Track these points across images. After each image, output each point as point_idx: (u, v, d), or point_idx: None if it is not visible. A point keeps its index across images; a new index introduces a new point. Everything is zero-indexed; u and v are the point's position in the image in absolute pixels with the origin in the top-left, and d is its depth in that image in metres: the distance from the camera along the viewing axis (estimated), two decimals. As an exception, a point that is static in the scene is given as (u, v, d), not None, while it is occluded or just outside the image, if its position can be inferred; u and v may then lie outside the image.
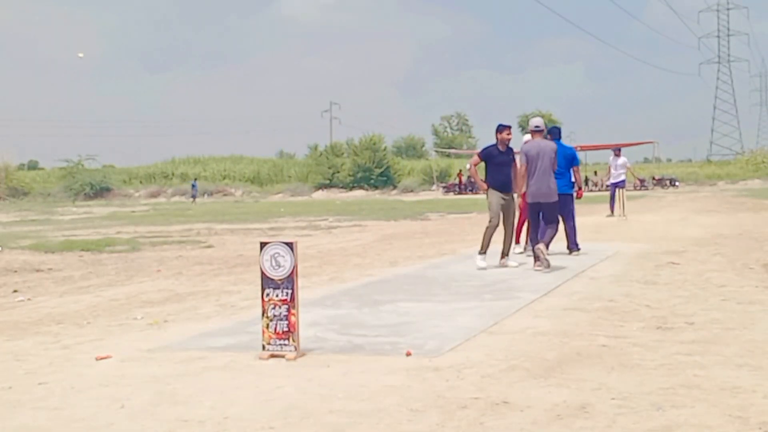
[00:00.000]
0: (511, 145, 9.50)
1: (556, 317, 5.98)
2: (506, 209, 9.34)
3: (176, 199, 51.34)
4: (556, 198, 9.36)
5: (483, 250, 9.28)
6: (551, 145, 9.42)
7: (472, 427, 3.40)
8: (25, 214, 29.37)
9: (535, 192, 9.23)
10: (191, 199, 44.54)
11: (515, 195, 11.00)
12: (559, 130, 10.93)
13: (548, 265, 8.78)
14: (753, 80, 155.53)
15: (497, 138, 9.35)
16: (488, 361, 4.57)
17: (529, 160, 9.18)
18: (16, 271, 10.12)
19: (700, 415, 3.48)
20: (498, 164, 9.24)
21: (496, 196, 9.24)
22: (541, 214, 9.34)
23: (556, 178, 10.33)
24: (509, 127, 9.31)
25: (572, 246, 10.67)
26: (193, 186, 47.41)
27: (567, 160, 10.60)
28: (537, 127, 9.40)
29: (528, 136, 11.59)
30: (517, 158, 10.82)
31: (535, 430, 3.35)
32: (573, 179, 10.75)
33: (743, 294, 6.89)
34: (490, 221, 9.29)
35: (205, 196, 52.64)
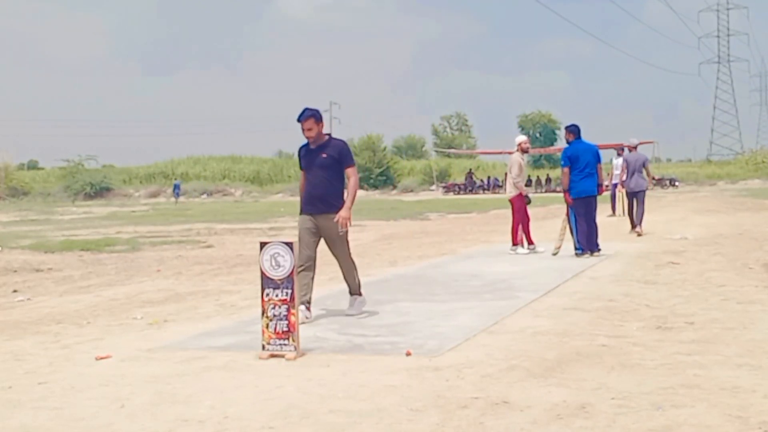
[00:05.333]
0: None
1: (556, 317, 5.98)
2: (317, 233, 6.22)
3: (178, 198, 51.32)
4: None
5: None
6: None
7: (472, 427, 3.40)
8: (25, 214, 29.36)
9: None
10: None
11: (514, 195, 11.02)
12: (578, 127, 10.67)
13: None
14: (753, 80, 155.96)
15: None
16: (488, 361, 4.57)
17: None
18: (16, 271, 10.11)
19: (700, 415, 3.48)
20: (307, 167, 6.27)
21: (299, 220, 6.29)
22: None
23: (587, 178, 10.32)
24: (307, 117, 6.07)
25: (593, 247, 10.35)
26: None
27: (596, 158, 10.55)
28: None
29: (521, 137, 11.65)
30: (514, 164, 10.83)
31: (535, 430, 3.35)
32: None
33: (743, 294, 6.89)
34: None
35: (205, 195, 52.59)
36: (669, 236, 13.15)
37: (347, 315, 6.25)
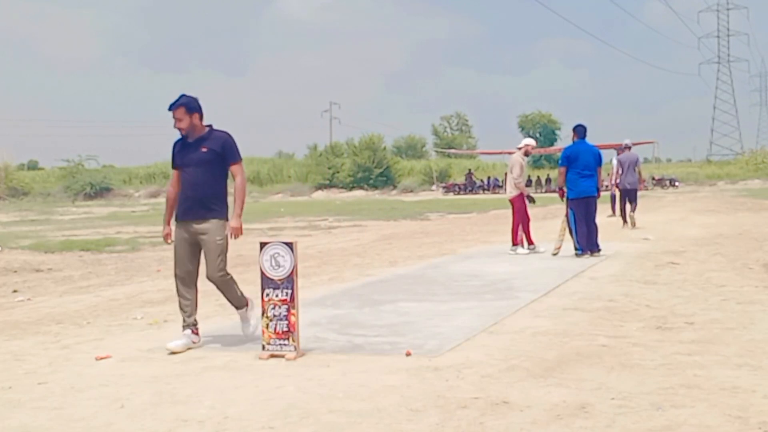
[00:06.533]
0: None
1: (556, 317, 5.98)
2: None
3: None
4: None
5: None
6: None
7: (472, 427, 3.40)
8: (25, 214, 29.36)
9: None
10: None
11: (518, 195, 11.02)
12: (584, 128, 10.70)
13: None
14: (753, 80, 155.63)
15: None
16: (488, 361, 4.57)
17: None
18: (16, 271, 10.12)
19: (700, 415, 3.48)
20: (182, 164, 5.34)
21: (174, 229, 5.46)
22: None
23: (586, 179, 10.31)
24: (177, 106, 5.22)
25: (593, 247, 10.35)
26: None
27: (597, 160, 10.57)
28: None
29: (530, 140, 11.69)
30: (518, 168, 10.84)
31: (535, 430, 3.35)
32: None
33: (743, 294, 6.89)
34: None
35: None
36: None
37: (245, 335, 5.38)
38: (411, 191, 53.49)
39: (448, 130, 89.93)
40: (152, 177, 59.56)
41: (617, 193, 17.64)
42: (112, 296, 7.89)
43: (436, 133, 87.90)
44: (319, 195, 53.76)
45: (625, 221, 15.55)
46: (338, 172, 56.94)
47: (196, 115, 5.22)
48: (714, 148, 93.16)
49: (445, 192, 50.19)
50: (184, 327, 5.26)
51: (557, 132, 75.42)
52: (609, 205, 19.30)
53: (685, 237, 12.91)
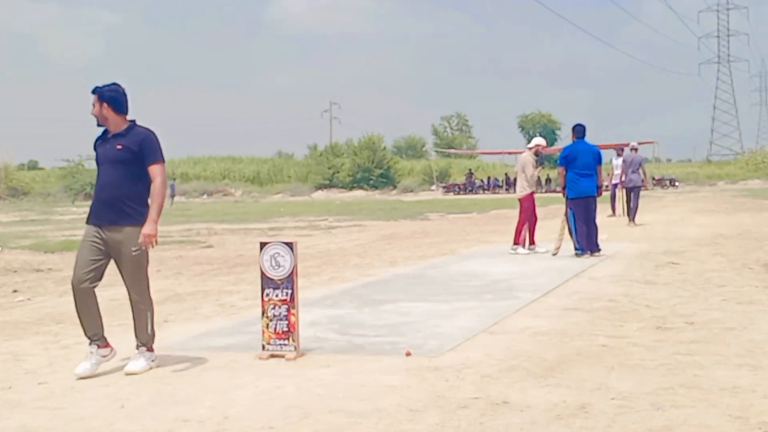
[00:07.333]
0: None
1: (556, 317, 5.98)
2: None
3: (176, 198, 51.31)
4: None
5: None
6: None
7: (472, 427, 3.40)
8: (25, 214, 29.35)
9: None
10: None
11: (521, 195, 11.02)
12: (584, 128, 10.72)
13: None
14: (753, 80, 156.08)
15: None
16: (488, 361, 4.57)
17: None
18: (16, 271, 10.11)
19: (700, 415, 3.48)
20: (100, 161, 4.81)
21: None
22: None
23: (586, 179, 10.31)
24: (93, 92, 4.72)
25: (593, 247, 10.33)
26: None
27: (596, 159, 10.57)
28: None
29: (541, 140, 11.71)
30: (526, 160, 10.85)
31: (534, 430, 3.35)
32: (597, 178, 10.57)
33: (743, 294, 6.89)
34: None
35: (205, 196, 52.56)
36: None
37: (127, 374, 4.52)
38: (411, 191, 53.51)
39: (448, 130, 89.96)
40: (152, 177, 59.54)
41: (622, 192, 17.91)
42: (112, 296, 7.87)
43: (436, 133, 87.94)
44: (319, 195, 53.77)
45: (630, 219, 16.34)
46: (338, 172, 56.97)
47: (107, 107, 4.65)
48: (714, 148, 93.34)
49: (445, 192, 50.21)
50: (91, 343, 4.58)
51: (557, 132, 75.47)
52: (609, 205, 19.35)
53: (685, 237, 12.91)
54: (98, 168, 4.74)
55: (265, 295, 4.88)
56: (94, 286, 4.57)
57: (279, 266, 4.85)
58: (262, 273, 4.89)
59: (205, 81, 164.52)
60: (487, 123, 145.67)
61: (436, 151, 75.20)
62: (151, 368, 4.62)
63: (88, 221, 4.69)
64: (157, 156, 4.68)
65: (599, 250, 10.32)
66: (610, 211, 19.17)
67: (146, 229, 4.54)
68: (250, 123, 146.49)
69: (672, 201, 30.07)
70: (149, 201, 4.66)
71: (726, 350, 4.74)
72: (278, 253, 4.86)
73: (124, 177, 4.60)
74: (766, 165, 59.73)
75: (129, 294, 4.69)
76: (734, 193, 37.49)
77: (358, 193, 53.79)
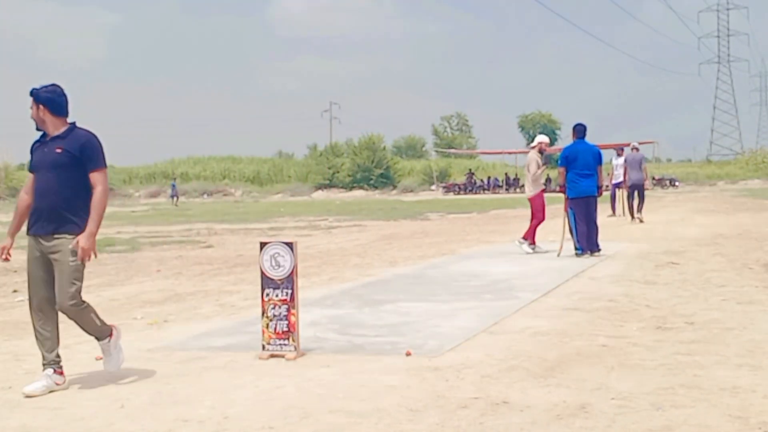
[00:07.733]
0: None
1: (556, 317, 5.98)
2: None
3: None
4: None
5: None
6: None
7: (472, 427, 3.40)
8: (25, 214, 29.33)
9: None
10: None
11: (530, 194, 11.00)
12: (584, 127, 10.72)
13: None
14: (753, 80, 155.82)
15: None
16: (488, 361, 4.57)
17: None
18: (16, 271, 10.11)
19: (700, 415, 3.48)
20: (36, 167, 4.46)
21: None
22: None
23: (586, 178, 10.31)
24: (30, 95, 4.42)
25: (593, 247, 10.33)
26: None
27: (596, 159, 10.57)
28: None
29: (544, 137, 11.69)
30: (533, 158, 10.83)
31: (535, 430, 3.35)
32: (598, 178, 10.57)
33: (743, 294, 6.89)
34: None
35: (205, 196, 52.57)
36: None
37: (108, 372, 4.50)
38: (411, 191, 53.51)
39: (448, 130, 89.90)
40: (152, 177, 59.60)
41: (622, 192, 18.05)
42: (112, 296, 7.89)
43: (436, 133, 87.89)
44: (319, 195, 53.77)
45: (633, 217, 16.86)
46: (338, 172, 56.97)
47: (44, 109, 4.33)
48: (714, 148, 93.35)
49: (445, 192, 50.21)
50: (45, 365, 4.28)
51: (557, 132, 75.42)
52: (609, 205, 19.35)
53: (685, 237, 12.91)
54: (35, 174, 4.40)
55: (265, 295, 4.88)
56: (53, 306, 4.29)
57: (279, 266, 4.85)
58: (262, 273, 4.89)
59: (205, 81, 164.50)
60: (487, 123, 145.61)
61: (436, 151, 75.18)
62: (122, 351, 4.50)
63: (28, 232, 4.43)
64: (99, 162, 4.36)
65: (599, 250, 10.31)
66: (610, 211, 19.19)
67: (82, 240, 4.21)
68: (250, 123, 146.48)
69: (672, 201, 30.07)
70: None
71: (726, 350, 4.74)
72: (278, 253, 4.86)
73: (65, 183, 4.28)
74: (766, 165, 59.75)
75: (61, 303, 4.23)
76: (734, 193, 37.50)
77: (358, 193, 53.78)
